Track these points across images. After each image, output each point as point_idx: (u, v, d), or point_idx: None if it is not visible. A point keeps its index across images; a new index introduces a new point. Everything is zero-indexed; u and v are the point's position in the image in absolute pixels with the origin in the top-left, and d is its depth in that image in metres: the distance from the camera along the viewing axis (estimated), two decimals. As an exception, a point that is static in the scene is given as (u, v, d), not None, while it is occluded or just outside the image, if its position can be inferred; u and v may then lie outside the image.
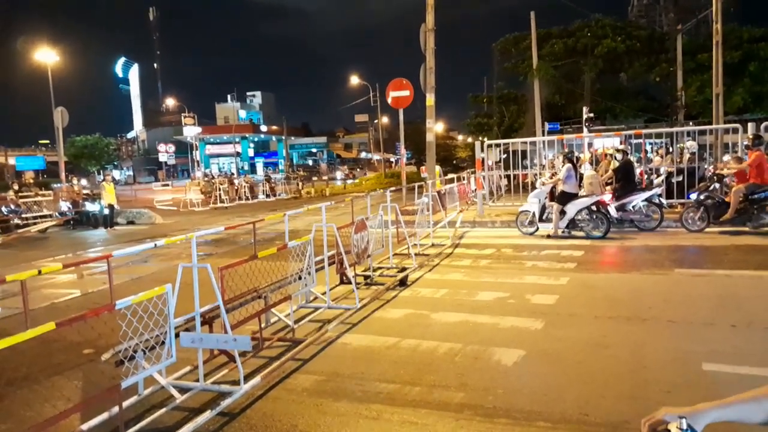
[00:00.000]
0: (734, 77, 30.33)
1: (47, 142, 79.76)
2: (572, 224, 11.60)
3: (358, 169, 68.85)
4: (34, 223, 18.66)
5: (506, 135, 32.39)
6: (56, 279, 9.86)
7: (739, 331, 5.48)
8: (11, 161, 61.63)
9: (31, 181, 27.52)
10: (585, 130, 23.55)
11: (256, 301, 5.79)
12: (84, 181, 28.27)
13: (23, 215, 18.67)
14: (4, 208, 18.41)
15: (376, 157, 70.02)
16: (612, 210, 11.72)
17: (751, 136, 11.49)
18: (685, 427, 1.32)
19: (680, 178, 13.44)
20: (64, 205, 20.09)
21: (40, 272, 3.77)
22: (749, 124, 12.72)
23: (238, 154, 67.54)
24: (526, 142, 17.72)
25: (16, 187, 21.95)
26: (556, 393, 4.30)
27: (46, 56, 24.83)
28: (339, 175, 62.56)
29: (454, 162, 52.66)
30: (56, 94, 23.71)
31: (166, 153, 65.24)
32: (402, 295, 7.64)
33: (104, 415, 4.12)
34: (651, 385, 4.35)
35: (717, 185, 11.58)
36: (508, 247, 11.03)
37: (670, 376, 4.50)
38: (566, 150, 13.01)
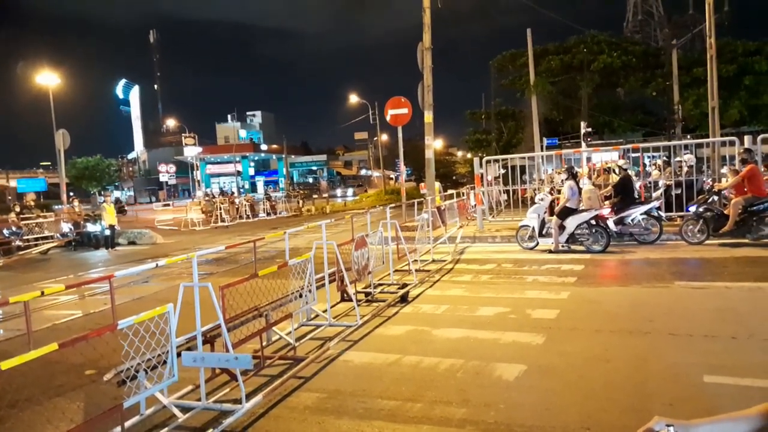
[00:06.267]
0: (730, 90, 30.62)
1: (48, 163, 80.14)
2: (572, 238, 11.63)
3: (357, 186, 68.94)
4: (36, 245, 18.73)
5: (505, 151, 32.62)
6: (57, 300, 9.86)
7: (740, 343, 5.49)
8: (12, 183, 61.87)
9: (33, 203, 27.61)
10: (583, 144, 23.75)
11: (257, 320, 5.80)
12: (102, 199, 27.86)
13: (24, 237, 18.74)
14: (5, 231, 18.49)
15: (376, 174, 70.21)
16: (611, 224, 11.76)
17: (740, 151, 11.60)
18: None
19: (679, 191, 13.49)
20: (66, 227, 20.16)
21: (42, 293, 3.79)
22: (746, 137, 12.77)
23: (238, 173, 67.70)
24: (524, 158, 17.79)
25: (17, 209, 22.06)
26: (557, 407, 4.30)
27: (48, 79, 25.01)
28: (349, 192, 62.19)
29: (454, 178, 52.87)
30: (57, 116, 23.80)
31: (166, 173, 65.34)
32: (403, 311, 7.65)
33: (106, 436, 4.12)
34: (653, 398, 4.35)
35: (716, 197, 11.63)
36: (509, 262, 11.05)
37: (672, 388, 4.51)
38: (566, 166, 13.07)
